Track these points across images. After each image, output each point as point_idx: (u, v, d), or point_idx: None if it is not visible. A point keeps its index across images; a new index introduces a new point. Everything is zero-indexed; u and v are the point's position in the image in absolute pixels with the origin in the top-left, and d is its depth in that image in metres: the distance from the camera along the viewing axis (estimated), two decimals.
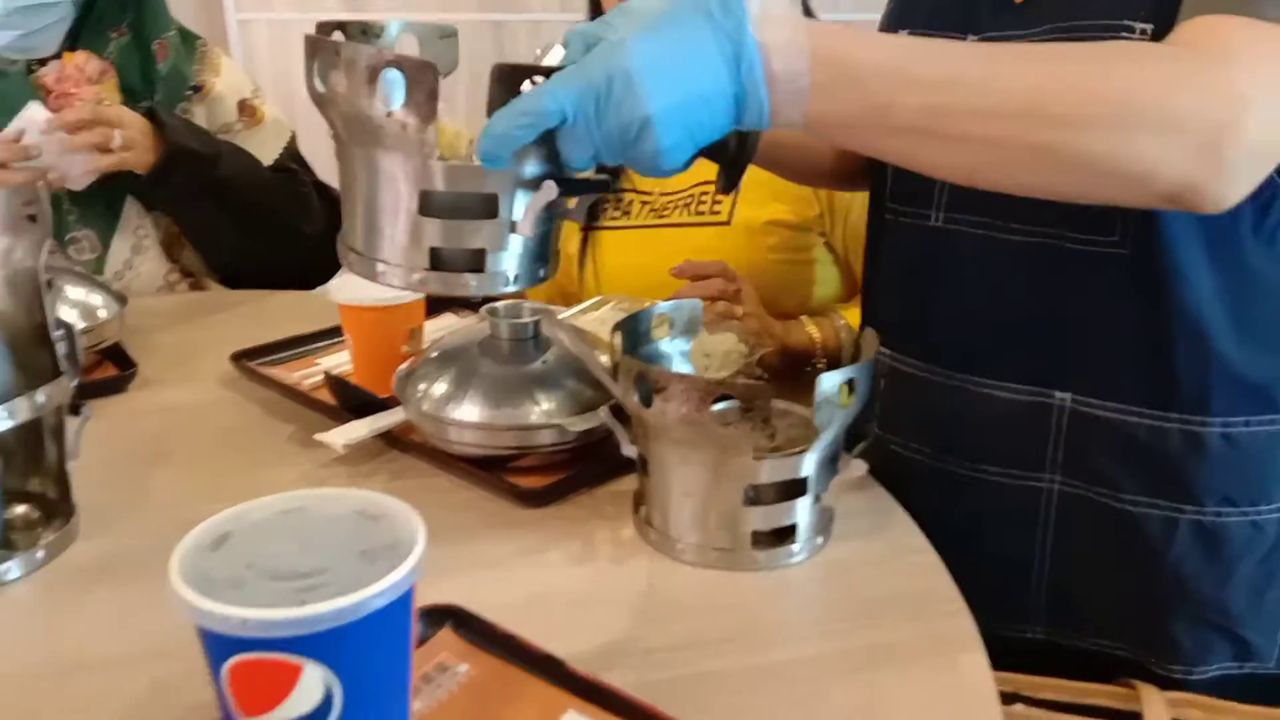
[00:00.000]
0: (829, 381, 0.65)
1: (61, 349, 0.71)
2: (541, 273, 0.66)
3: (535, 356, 0.83)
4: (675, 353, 0.80)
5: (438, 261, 0.62)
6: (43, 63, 1.25)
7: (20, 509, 0.75)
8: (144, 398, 0.97)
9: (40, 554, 0.70)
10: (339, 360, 0.99)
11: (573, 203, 0.65)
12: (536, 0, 3.00)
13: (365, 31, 0.69)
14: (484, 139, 0.56)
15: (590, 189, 0.64)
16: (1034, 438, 0.78)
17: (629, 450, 0.74)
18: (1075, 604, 0.63)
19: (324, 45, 0.59)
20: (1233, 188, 0.59)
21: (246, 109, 1.41)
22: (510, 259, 0.63)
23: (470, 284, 0.62)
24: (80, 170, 1.18)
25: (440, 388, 0.81)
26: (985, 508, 0.81)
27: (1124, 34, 0.67)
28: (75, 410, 0.73)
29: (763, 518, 0.69)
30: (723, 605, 0.66)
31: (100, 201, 1.27)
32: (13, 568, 0.68)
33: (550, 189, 0.60)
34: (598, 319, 1.00)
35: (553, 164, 0.60)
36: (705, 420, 0.64)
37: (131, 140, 1.18)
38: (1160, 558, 0.77)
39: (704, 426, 0.65)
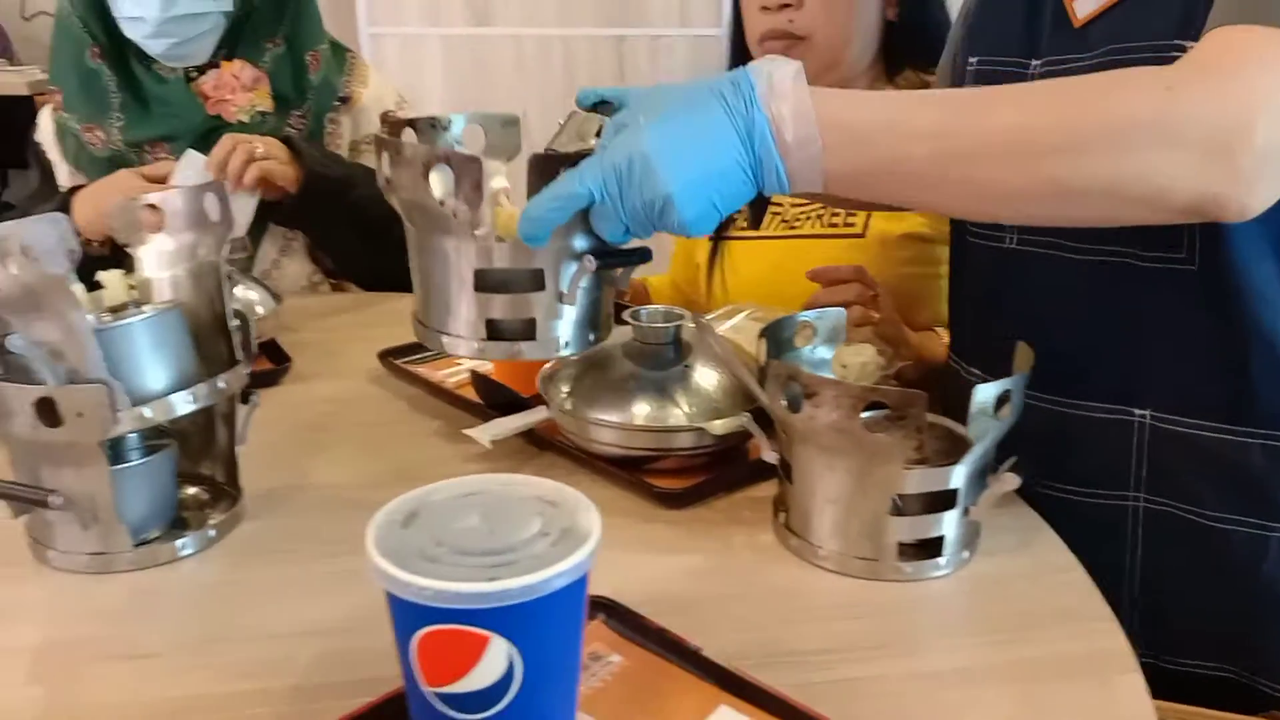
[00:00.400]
0: (985, 393, 0.64)
1: (237, 339, 0.75)
2: (592, 337, 0.73)
3: (676, 360, 0.84)
4: (816, 361, 0.81)
5: (495, 332, 0.70)
6: (200, 70, 1.33)
7: (191, 490, 0.79)
8: (297, 391, 1.02)
9: (212, 532, 0.74)
10: (480, 360, 1.02)
11: (618, 272, 0.72)
12: (657, 15, 3.04)
13: (434, 125, 0.77)
14: (523, 222, 0.63)
15: (627, 261, 0.70)
16: (1117, 455, 0.78)
17: (770, 456, 0.75)
18: (1170, 625, 0.63)
19: (389, 144, 0.68)
20: (1254, 195, 0.59)
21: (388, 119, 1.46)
22: (562, 326, 0.70)
23: (525, 352, 0.70)
24: (242, 214, 1.22)
25: (583, 388, 0.83)
26: (1072, 527, 0.80)
27: (1177, 54, 0.66)
28: (244, 398, 0.77)
29: (909, 528, 0.69)
30: (868, 613, 0.66)
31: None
32: (187, 544, 0.72)
33: (589, 263, 0.67)
34: (732, 328, 1.01)
35: (593, 238, 0.67)
36: (855, 427, 0.65)
37: (275, 168, 1.24)
38: (1251, 575, 0.75)
39: (854, 433, 0.65)
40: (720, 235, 1.30)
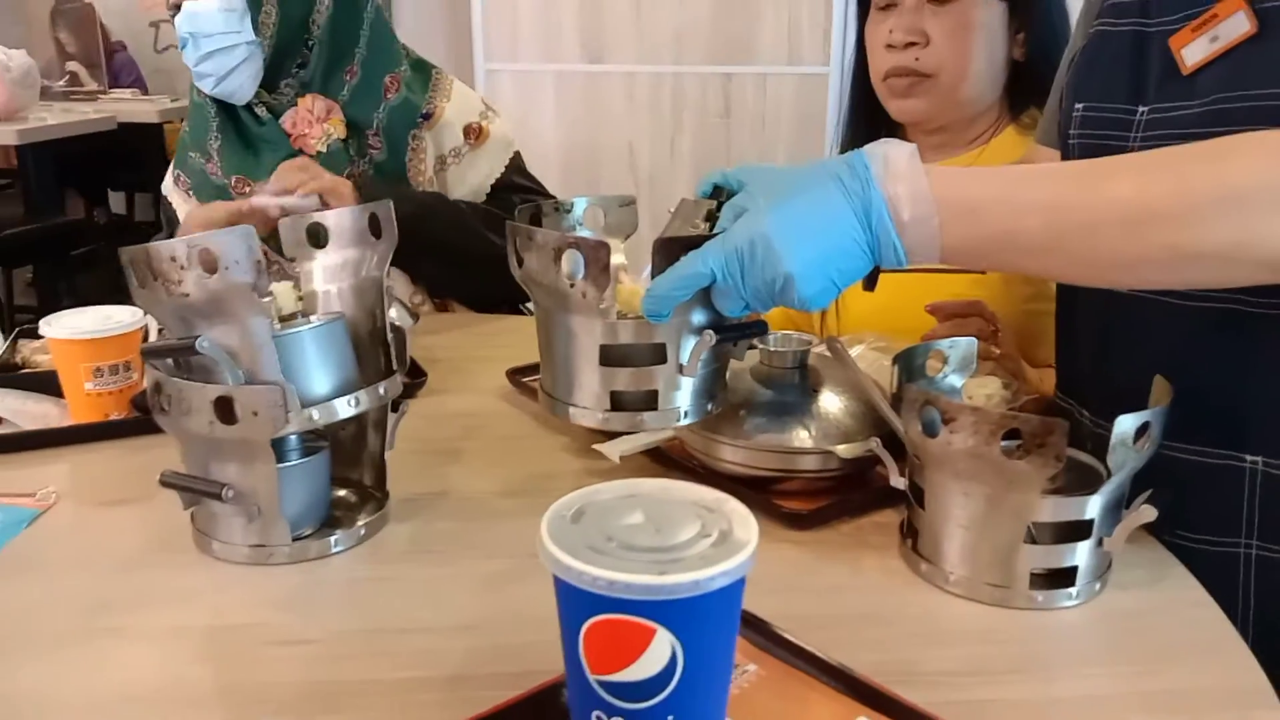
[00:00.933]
0: (1125, 424, 0.65)
1: (393, 351, 0.80)
2: (709, 407, 0.77)
3: (803, 384, 0.86)
4: (946, 389, 0.82)
5: (619, 403, 0.74)
6: (274, 107, 1.37)
7: (341, 493, 0.84)
8: (433, 404, 1.07)
9: (362, 531, 0.78)
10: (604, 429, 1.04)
11: (736, 344, 0.75)
12: (765, 53, 3.08)
13: (558, 209, 0.83)
14: (647, 300, 0.67)
15: (745, 334, 0.74)
16: (1227, 502, 0.77)
17: (898, 481, 0.76)
18: None
19: (520, 230, 0.73)
20: None
21: (472, 130, 1.48)
22: (682, 396, 0.74)
23: (647, 421, 0.74)
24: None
25: None
26: None
27: None
28: (394, 406, 0.81)
29: (1042, 557, 0.69)
30: (999, 639, 0.67)
31: None
32: (339, 541, 0.77)
33: (709, 337, 0.71)
34: (853, 356, 1.03)
35: (712, 312, 0.71)
36: (994, 454, 0.66)
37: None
38: None
39: (991, 460, 0.66)
40: None
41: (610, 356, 0.72)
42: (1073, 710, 0.60)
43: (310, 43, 1.37)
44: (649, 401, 0.74)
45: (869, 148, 0.66)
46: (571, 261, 0.69)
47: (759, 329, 0.75)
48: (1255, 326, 0.73)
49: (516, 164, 1.55)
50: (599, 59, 3.01)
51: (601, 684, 0.47)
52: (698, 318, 0.71)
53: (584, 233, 0.85)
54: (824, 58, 3.07)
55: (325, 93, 1.38)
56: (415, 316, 1.17)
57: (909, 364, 0.78)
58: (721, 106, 3.10)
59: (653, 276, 0.68)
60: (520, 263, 0.73)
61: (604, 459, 0.88)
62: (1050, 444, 0.64)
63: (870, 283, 0.71)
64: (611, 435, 0.92)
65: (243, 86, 1.36)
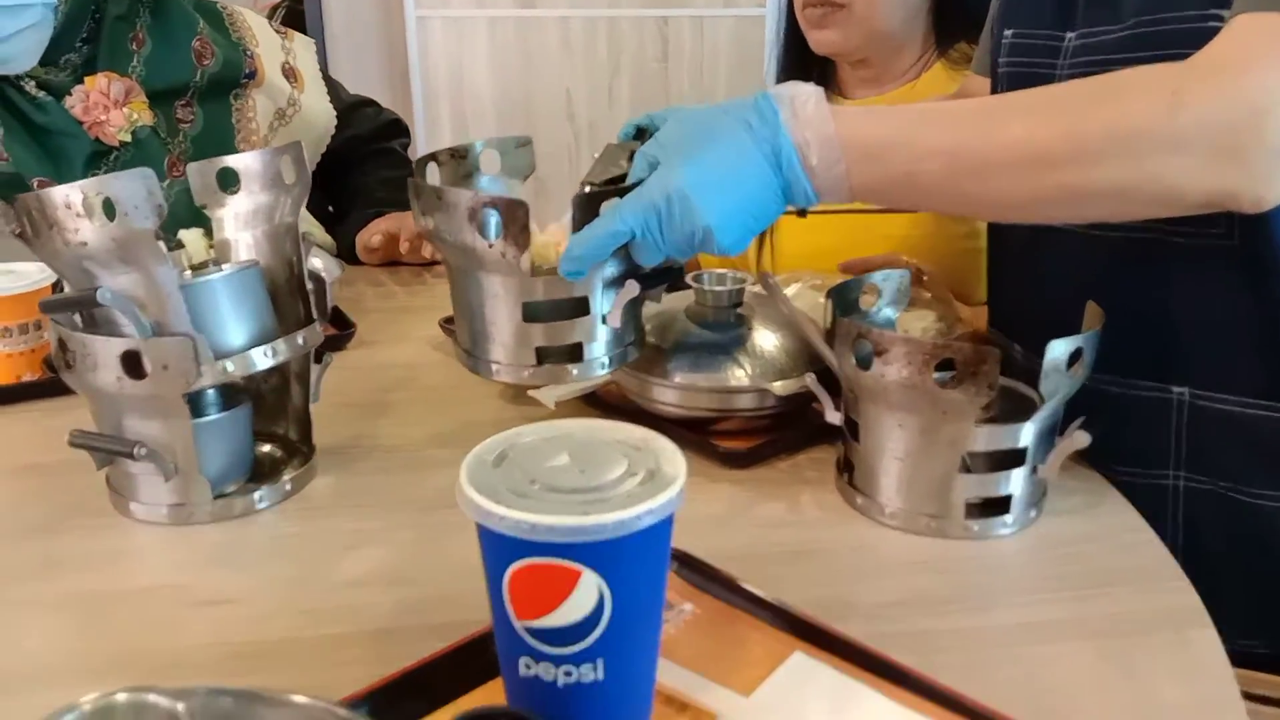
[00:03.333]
0: (1058, 349, 0.64)
1: (312, 299, 0.76)
2: (633, 351, 0.77)
3: (738, 323, 0.85)
4: (881, 322, 0.81)
5: (542, 357, 0.73)
6: (54, 87, 1.17)
7: (266, 448, 0.81)
8: (361, 356, 1.04)
9: (288, 486, 0.75)
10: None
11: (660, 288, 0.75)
12: None
13: (453, 155, 0.81)
14: (565, 260, 0.66)
15: (666, 280, 0.74)
16: (1156, 434, 0.77)
17: (833, 417, 0.75)
18: (1214, 604, 0.62)
19: (426, 189, 0.70)
20: (1269, 189, 0.59)
21: (288, 72, 1.35)
22: (602, 347, 0.73)
23: (572, 373, 0.74)
24: None
25: (646, 350, 0.84)
26: None
27: (1211, 23, 0.66)
28: (318, 357, 0.78)
29: (977, 486, 0.69)
30: (937, 569, 0.67)
31: (197, 217, 1.24)
32: (263, 497, 0.74)
33: (633, 287, 0.70)
34: (790, 294, 1.01)
35: (630, 261, 0.70)
36: (927, 383, 0.65)
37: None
38: None
39: (925, 390, 0.65)
40: None
41: (533, 313, 0.71)
42: (1010, 637, 0.60)
43: (97, 12, 1.18)
44: (572, 354, 0.73)
45: (776, 90, 0.65)
46: (488, 221, 0.67)
47: (677, 274, 0.74)
48: (1178, 257, 0.73)
49: (334, 85, 1.45)
50: (532, 3, 2.92)
51: (529, 630, 0.45)
52: (615, 268, 0.70)
53: (483, 178, 0.82)
54: None
55: (114, 69, 1.18)
56: (342, 266, 1.13)
57: (843, 298, 0.77)
58: (659, 50, 3.04)
59: (573, 231, 0.67)
60: (434, 225, 0.71)
61: (539, 405, 0.86)
62: (983, 373, 0.63)
63: (802, 212, 0.70)
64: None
65: (24, 54, 1.13)
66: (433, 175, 0.79)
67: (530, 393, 0.87)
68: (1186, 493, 0.78)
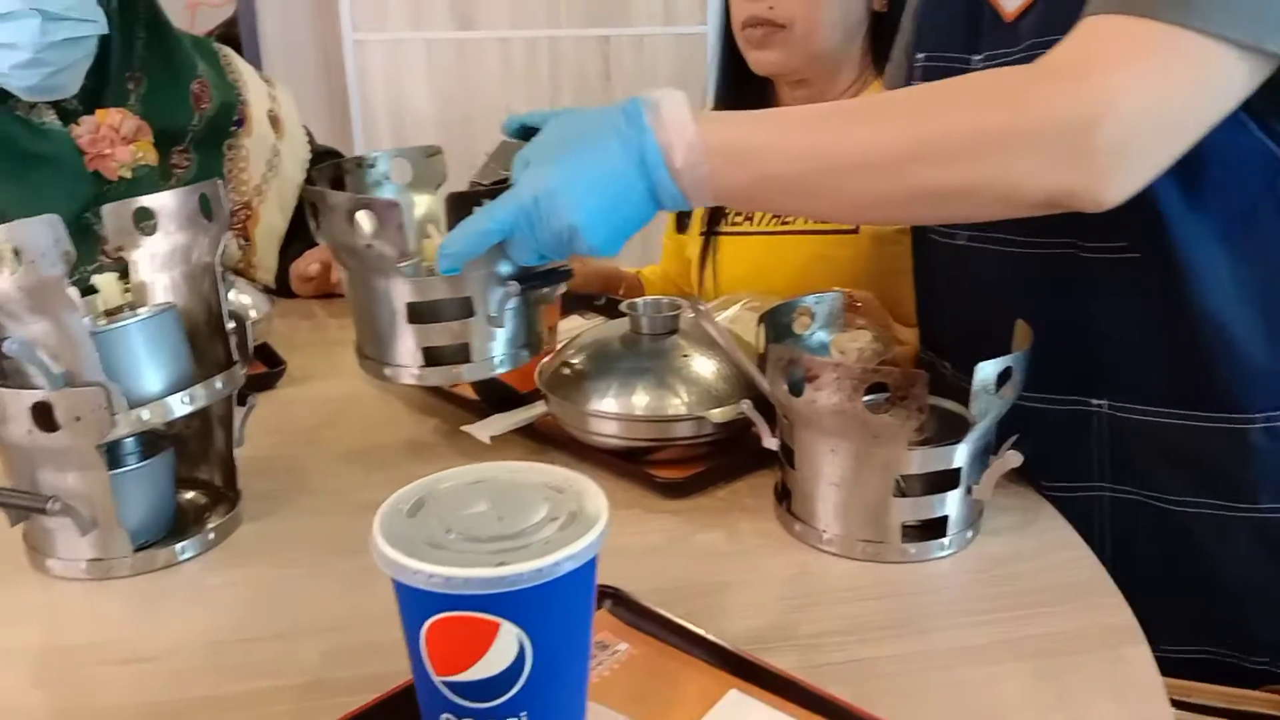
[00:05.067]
0: (986, 370, 0.64)
1: (233, 341, 0.74)
2: (525, 354, 0.78)
3: (674, 350, 0.84)
4: (815, 346, 0.81)
5: (432, 358, 0.74)
6: (67, 115, 1.17)
7: (189, 495, 0.79)
8: (293, 393, 1.02)
9: (211, 535, 0.73)
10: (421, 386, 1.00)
11: (545, 290, 0.76)
12: (641, 14, 3.04)
13: (360, 164, 0.81)
14: (441, 258, 0.68)
15: (548, 282, 0.74)
16: (1080, 447, 0.78)
17: (770, 442, 0.75)
18: (1146, 612, 0.63)
19: (312, 193, 0.72)
20: (1107, 189, 0.60)
21: (273, 121, 1.35)
22: (495, 346, 0.75)
23: (463, 374, 0.75)
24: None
25: (581, 381, 0.83)
26: None
27: None
28: (241, 400, 0.76)
29: (912, 509, 0.69)
30: (874, 595, 0.66)
31: None
32: (187, 548, 0.72)
33: (513, 288, 0.72)
34: (728, 318, 1.01)
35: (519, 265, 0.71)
36: (857, 409, 0.65)
37: None
38: (1221, 557, 0.75)
39: (856, 415, 0.65)
40: (711, 230, 1.29)
41: (418, 314, 0.73)
42: (947, 661, 0.59)
43: (104, 46, 1.17)
44: (463, 354, 0.74)
45: (645, 96, 0.66)
46: (366, 222, 0.69)
47: (563, 275, 0.75)
48: (1087, 270, 0.74)
49: (310, 136, 1.44)
50: (470, 25, 2.92)
51: (448, 685, 0.44)
52: (503, 268, 0.71)
53: (389, 188, 0.83)
54: (700, 17, 3.04)
55: (115, 103, 1.18)
56: (272, 301, 1.11)
57: (776, 322, 0.77)
58: (601, 69, 3.05)
59: (447, 230, 0.68)
60: (318, 226, 0.72)
61: (475, 441, 0.85)
62: (913, 395, 0.63)
63: (680, 223, 0.71)
64: (480, 415, 0.89)
65: (73, 82, 1.14)
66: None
67: (464, 428, 0.86)
68: (1114, 504, 0.78)
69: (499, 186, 0.68)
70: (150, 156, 1.21)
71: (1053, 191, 0.60)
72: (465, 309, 0.72)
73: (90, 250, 1.14)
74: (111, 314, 0.72)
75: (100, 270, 1.07)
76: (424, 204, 0.85)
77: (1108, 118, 0.58)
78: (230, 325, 0.74)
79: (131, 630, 0.65)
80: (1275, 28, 0.58)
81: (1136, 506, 0.77)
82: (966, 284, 0.83)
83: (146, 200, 0.75)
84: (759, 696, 0.54)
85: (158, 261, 0.75)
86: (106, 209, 0.75)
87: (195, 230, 0.74)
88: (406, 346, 0.74)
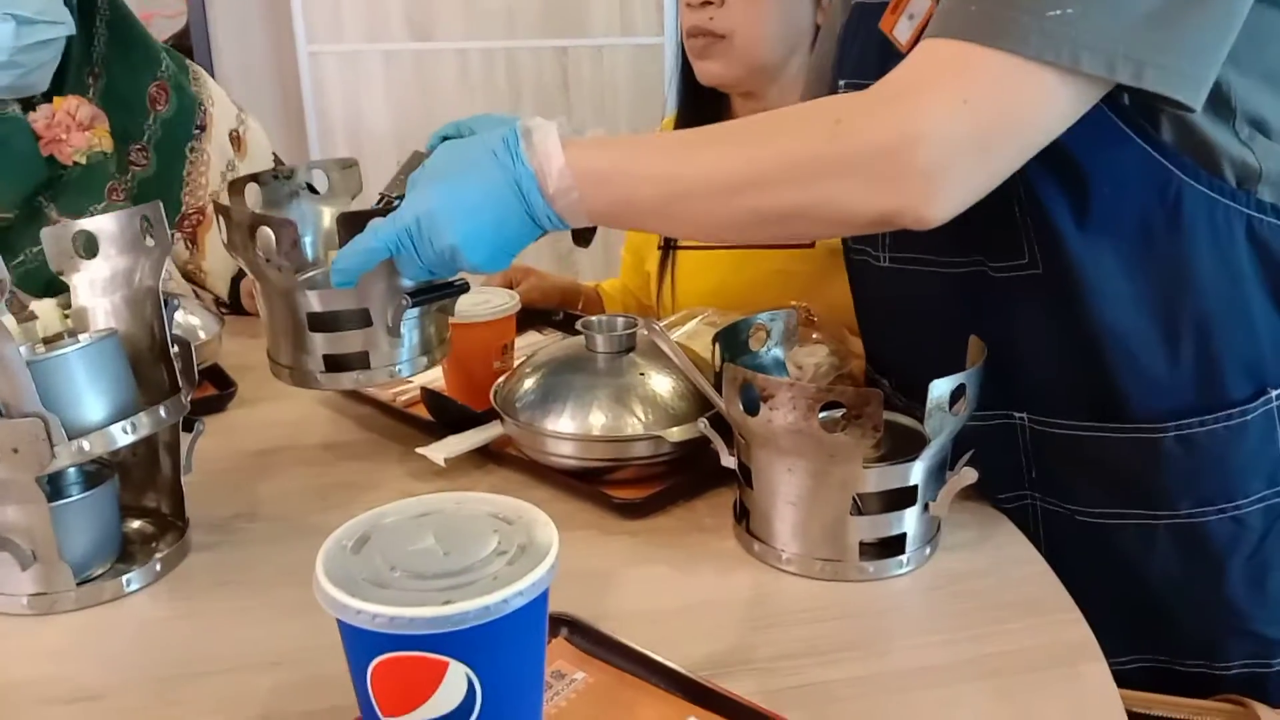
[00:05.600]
0: (940, 388, 0.64)
1: (177, 366, 0.73)
2: (425, 360, 0.80)
3: (630, 369, 0.84)
4: (771, 363, 0.80)
5: (333, 364, 0.77)
6: (29, 103, 1.18)
7: (136, 523, 0.77)
8: (244, 415, 1.00)
9: (158, 566, 0.71)
10: (432, 376, 1.00)
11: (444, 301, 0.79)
12: (599, 25, 3.03)
13: (277, 176, 0.86)
14: (333, 272, 0.71)
15: (443, 295, 0.77)
16: (1009, 459, 0.78)
17: (728, 461, 0.74)
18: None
19: (220, 209, 0.75)
20: (930, 208, 0.62)
21: (235, 139, 1.36)
22: (395, 353, 0.77)
23: (362, 380, 0.79)
24: None
25: (536, 401, 0.82)
26: None
27: None
28: (188, 426, 0.75)
29: (870, 527, 0.68)
30: (833, 615, 0.66)
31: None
32: (133, 579, 0.70)
33: (405, 300, 0.74)
34: (686, 333, 1.01)
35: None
36: (813, 427, 0.64)
37: None
38: (1146, 566, 0.76)
39: (811, 434, 0.65)
40: (670, 245, 1.29)
41: (320, 323, 0.76)
42: (906, 682, 0.59)
43: (72, 38, 1.19)
44: (362, 361, 0.77)
45: (520, 124, 0.69)
46: (264, 239, 0.71)
47: (458, 289, 0.77)
48: (996, 288, 0.74)
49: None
50: (427, 36, 2.89)
51: None
52: (398, 281, 0.73)
53: (306, 199, 0.86)
54: (658, 28, 3.04)
55: (74, 92, 1.19)
56: (221, 320, 1.09)
57: (732, 340, 0.77)
58: (559, 80, 3.04)
59: (339, 248, 0.71)
60: (226, 240, 0.75)
61: (429, 462, 0.84)
62: (867, 414, 0.63)
63: (580, 240, 0.72)
64: (435, 437, 0.87)
65: (42, 81, 1.17)
66: (254, 197, 0.83)
67: (419, 450, 0.84)
68: (1044, 514, 0.79)
69: (387, 208, 0.72)
70: (106, 144, 1.22)
71: (878, 213, 0.63)
72: (364, 319, 0.75)
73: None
74: (50, 341, 0.71)
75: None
76: (331, 218, 0.87)
77: (919, 141, 0.60)
78: (174, 350, 0.73)
79: (76, 667, 0.63)
80: (1093, 50, 0.59)
81: (1062, 517, 0.77)
82: (894, 303, 0.84)
83: (87, 223, 0.73)
84: None
85: (98, 286, 0.73)
86: (45, 232, 0.74)
87: (137, 254, 0.72)
88: (310, 353, 0.77)
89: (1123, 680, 0.75)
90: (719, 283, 1.23)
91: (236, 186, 0.82)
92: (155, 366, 0.73)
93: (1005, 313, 0.75)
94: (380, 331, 0.75)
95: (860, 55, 0.82)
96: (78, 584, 0.68)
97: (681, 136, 0.72)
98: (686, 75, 1.30)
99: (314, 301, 0.75)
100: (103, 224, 0.72)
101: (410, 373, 0.79)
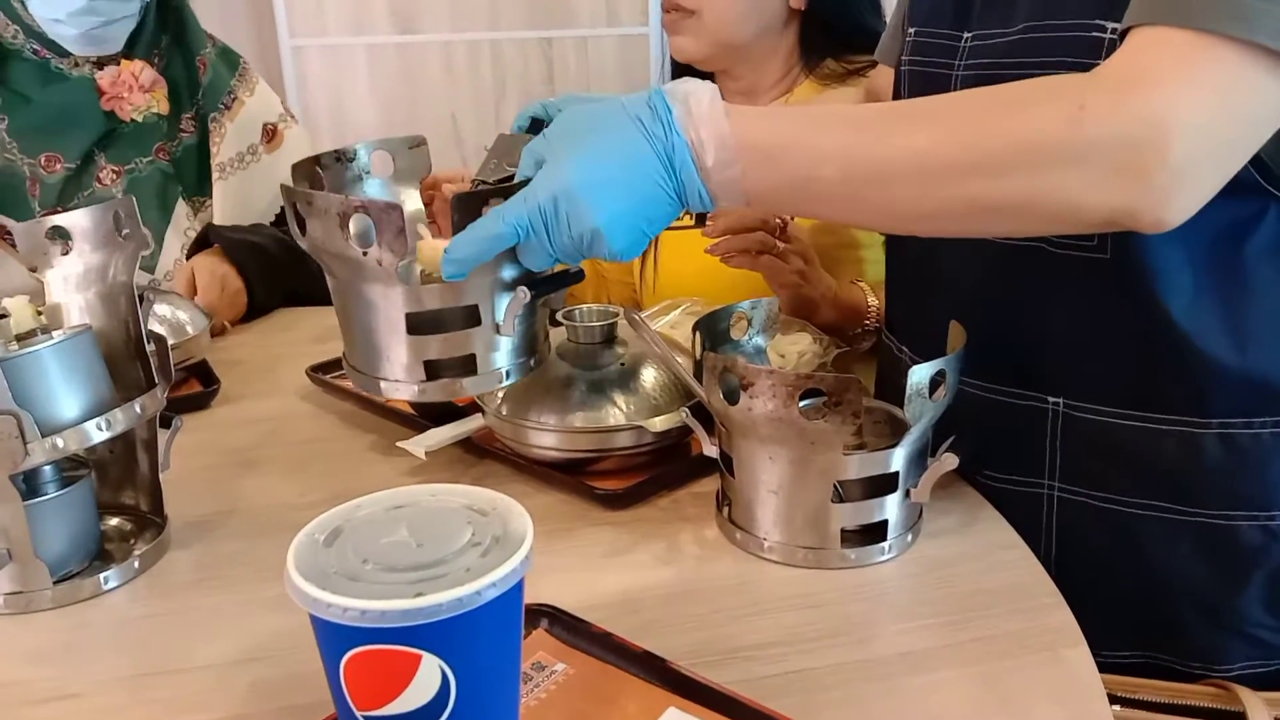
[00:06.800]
0: (919, 374, 0.64)
1: (153, 362, 0.72)
2: (532, 362, 0.73)
3: (611, 359, 0.83)
4: (753, 351, 0.80)
5: (434, 372, 0.68)
6: (100, 64, 1.27)
7: (114, 521, 0.76)
8: (227, 411, 0.99)
9: (136, 564, 0.71)
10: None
11: (554, 294, 0.71)
12: (584, 15, 3.02)
13: (339, 158, 0.75)
14: (446, 264, 0.62)
15: (560, 285, 0.69)
16: (1032, 443, 0.77)
17: (710, 450, 0.74)
18: (1085, 613, 0.63)
19: (298, 195, 0.65)
20: (1169, 210, 0.58)
21: (268, 131, 1.43)
22: (501, 357, 0.69)
23: (467, 388, 0.69)
24: None
25: (518, 392, 0.82)
26: None
27: (1096, 33, 0.66)
28: (166, 423, 0.74)
29: (851, 514, 0.68)
30: (816, 603, 0.65)
31: (154, 200, 1.29)
32: (110, 577, 0.69)
33: (524, 294, 0.66)
34: (668, 323, 1.00)
35: (522, 266, 0.65)
36: (793, 415, 0.64)
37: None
38: (1165, 562, 0.75)
39: (792, 422, 0.64)
40: None
41: (418, 324, 0.66)
42: (889, 669, 0.59)
43: (149, 9, 1.29)
44: (467, 366, 0.68)
45: (670, 87, 0.62)
46: (361, 227, 0.62)
47: (575, 278, 0.70)
48: (1053, 268, 0.73)
49: None
50: (411, 28, 2.88)
51: None
52: (508, 272, 0.66)
53: (372, 182, 0.77)
54: (643, 17, 3.04)
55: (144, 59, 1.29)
56: (209, 316, 1.08)
57: (712, 329, 0.76)
58: (544, 72, 3.03)
59: (452, 233, 0.63)
60: (304, 231, 0.66)
61: (410, 456, 0.83)
62: (847, 401, 0.63)
63: (700, 218, 0.68)
64: (417, 429, 0.87)
65: (119, 39, 1.26)
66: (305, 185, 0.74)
67: (399, 444, 0.84)
68: (1060, 503, 0.78)
69: (508, 186, 0.63)
70: (162, 107, 1.30)
71: (1114, 210, 0.58)
72: (471, 318, 0.66)
73: (88, 181, 1.26)
74: (23, 338, 0.70)
75: (93, 199, 1.24)
76: (412, 199, 0.80)
77: (1172, 133, 0.56)
78: (150, 346, 0.72)
79: (53, 667, 0.62)
80: None
81: (1083, 506, 0.77)
82: (935, 274, 0.82)
83: (60, 219, 0.72)
84: (698, 714, 0.54)
85: (72, 282, 0.72)
86: (17, 228, 0.73)
87: (111, 249, 0.72)
88: (405, 360, 0.68)
89: (1121, 673, 0.75)
90: (704, 264, 1.22)
91: (300, 171, 0.74)
92: (131, 363, 0.72)
93: (1058, 293, 0.73)
94: (488, 331, 0.67)
95: (933, 3, 0.80)
96: (54, 582, 0.67)
97: (875, 110, 0.64)
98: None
99: (414, 299, 0.65)
100: (76, 219, 0.72)
101: (518, 377, 0.71)
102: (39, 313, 0.72)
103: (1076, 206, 0.59)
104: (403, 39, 2.91)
